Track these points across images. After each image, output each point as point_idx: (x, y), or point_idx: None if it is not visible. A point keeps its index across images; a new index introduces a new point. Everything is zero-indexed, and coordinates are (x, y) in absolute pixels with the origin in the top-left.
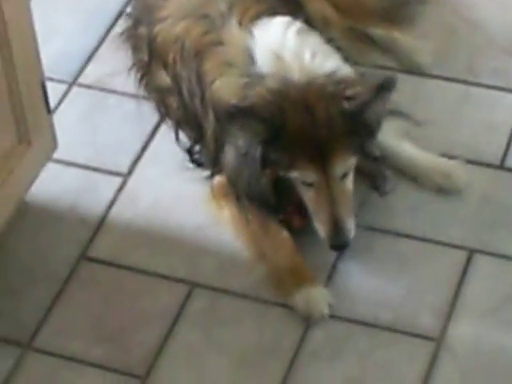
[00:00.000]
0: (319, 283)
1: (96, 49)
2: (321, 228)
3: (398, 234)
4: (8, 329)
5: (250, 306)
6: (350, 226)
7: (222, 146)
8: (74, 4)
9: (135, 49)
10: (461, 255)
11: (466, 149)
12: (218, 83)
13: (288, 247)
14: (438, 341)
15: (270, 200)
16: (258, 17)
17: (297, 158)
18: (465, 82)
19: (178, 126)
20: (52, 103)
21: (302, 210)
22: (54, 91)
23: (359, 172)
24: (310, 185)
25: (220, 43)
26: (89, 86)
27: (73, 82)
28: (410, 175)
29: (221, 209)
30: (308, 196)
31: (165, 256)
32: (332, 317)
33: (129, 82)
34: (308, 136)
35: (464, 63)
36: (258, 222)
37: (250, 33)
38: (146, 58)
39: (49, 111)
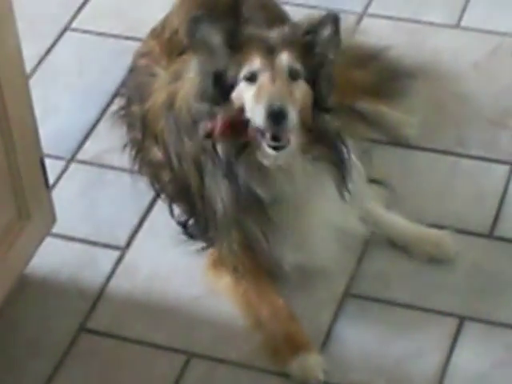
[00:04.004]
0: (314, 350)
1: (93, 126)
2: (258, 117)
3: (391, 302)
4: None
5: (247, 374)
6: (289, 117)
7: (202, 175)
8: (72, 83)
9: (129, 127)
10: (452, 322)
11: (455, 219)
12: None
13: (284, 315)
14: None
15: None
16: None
17: (247, 51)
18: (454, 153)
19: (172, 200)
20: (51, 179)
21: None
22: (53, 167)
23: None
24: (254, 80)
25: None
26: (87, 162)
27: (71, 159)
28: (401, 245)
29: (217, 279)
30: (251, 94)
31: (162, 326)
32: (327, 383)
33: (125, 157)
34: (261, 33)
35: (453, 135)
36: (254, 291)
37: None
38: (139, 135)
39: (48, 186)
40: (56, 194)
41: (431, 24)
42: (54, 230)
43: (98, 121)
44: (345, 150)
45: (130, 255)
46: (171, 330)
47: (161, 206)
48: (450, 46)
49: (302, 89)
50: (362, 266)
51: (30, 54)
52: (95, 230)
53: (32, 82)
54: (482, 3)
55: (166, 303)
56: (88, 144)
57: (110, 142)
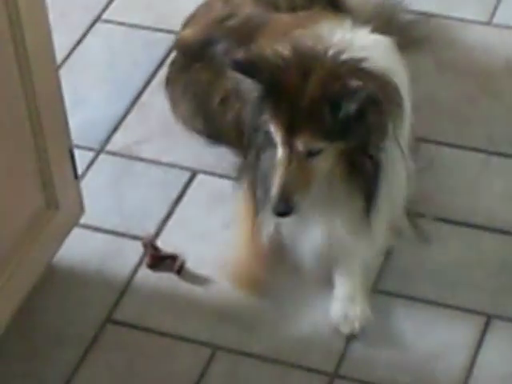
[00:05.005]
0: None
1: (123, 117)
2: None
3: (417, 299)
4: None
5: (272, 368)
6: (297, 197)
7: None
8: (102, 75)
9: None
10: (479, 320)
11: (484, 216)
12: None
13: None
14: None
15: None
16: None
17: (274, 116)
18: (484, 150)
19: None
20: (80, 170)
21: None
22: (81, 158)
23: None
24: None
25: None
26: (116, 154)
27: (100, 150)
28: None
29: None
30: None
31: (188, 319)
32: (352, 380)
33: (154, 149)
34: (290, 102)
35: (483, 132)
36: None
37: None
38: None
39: (76, 177)
40: (84, 185)
41: (463, 20)
42: (82, 220)
43: (127, 112)
44: (379, 186)
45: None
46: (197, 323)
47: (189, 197)
48: (481, 43)
49: (326, 156)
50: (389, 262)
51: (60, 44)
52: (123, 221)
53: (62, 73)
54: None
55: (193, 296)
56: (117, 135)
57: (140, 133)
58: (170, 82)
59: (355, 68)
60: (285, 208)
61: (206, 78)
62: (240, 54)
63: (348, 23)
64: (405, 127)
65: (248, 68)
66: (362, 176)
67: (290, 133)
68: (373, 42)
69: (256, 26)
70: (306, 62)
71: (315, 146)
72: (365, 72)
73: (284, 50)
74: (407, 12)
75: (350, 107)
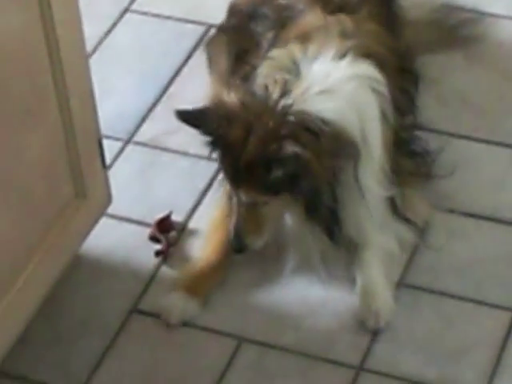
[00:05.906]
0: (194, 296)
1: (151, 108)
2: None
3: (444, 294)
4: (59, 379)
5: (297, 361)
6: (249, 239)
7: None
8: (131, 65)
9: None
10: (504, 316)
11: (511, 211)
12: None
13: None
14: None
15: None
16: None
17: (221, 165)
18: None
19: None
20: (108, 160)
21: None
22: (110, 148)
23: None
24: None
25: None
26: (143, 144)
27: (128, 140)
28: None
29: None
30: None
31: (214, 310)
32: (377, 373)
33: (182, 140)
34: (233, 157)
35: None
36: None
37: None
38: None
39: (104, 167)
40: (112, 175)
41: (494, 15)
42: (110, 210)
43: (156, 103)
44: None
45: (184, 237)
46: (223, 314)
47: (216, 189)
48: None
49: (275, 204)
50: (416, 256)
51: (89, 34)
52: (150, 211)
53: (91, 63)
54: None
55: (219, 287)
56: (145, 126)
57: (168, 124)
58: (213, 40)
59: (299, 128)
60: (238, 246)
61: (245, 46)
62: (190, 106)
63: (335, 50)
64: (373, 160)
65: (193, 119)
66: (318, 216)
67: (235, 184)
68: (346, 78)
69: (290, 15)
70: (250, 119)
71: (257, 199)
72: (309, 131)
73: (234, 103)
74: (460, 11)
75: (279, 172)
